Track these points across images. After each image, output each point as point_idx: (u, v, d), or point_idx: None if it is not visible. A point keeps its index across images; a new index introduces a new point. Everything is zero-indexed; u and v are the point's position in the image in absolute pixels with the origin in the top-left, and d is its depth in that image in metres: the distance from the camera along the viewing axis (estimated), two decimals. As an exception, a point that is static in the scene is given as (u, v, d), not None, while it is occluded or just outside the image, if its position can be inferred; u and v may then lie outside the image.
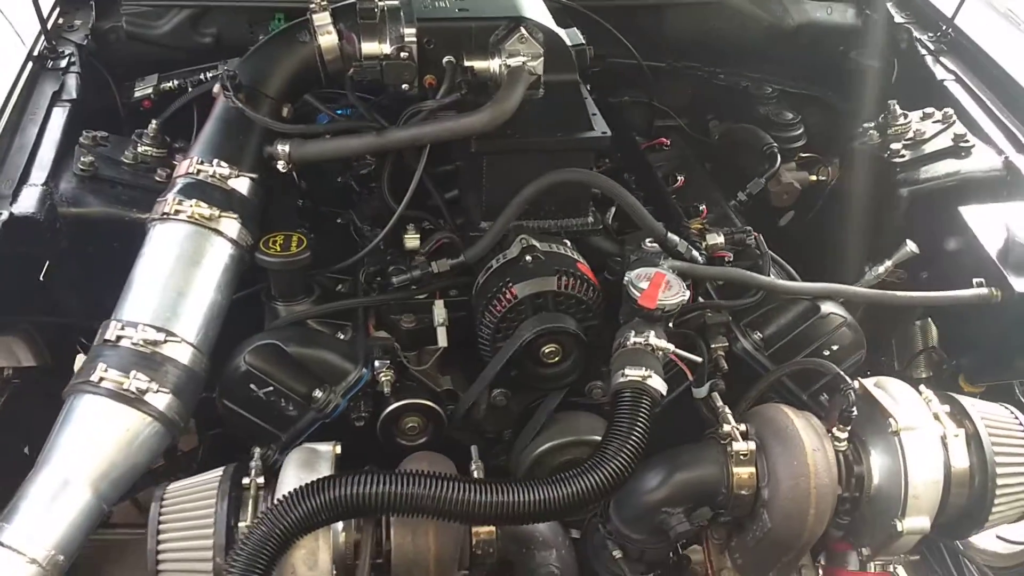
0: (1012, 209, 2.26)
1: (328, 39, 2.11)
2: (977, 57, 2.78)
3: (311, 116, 2.40)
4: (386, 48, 2.09)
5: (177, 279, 1.87)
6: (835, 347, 2.11)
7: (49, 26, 2.65)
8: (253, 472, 1.79)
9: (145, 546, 2.42)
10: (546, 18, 2.19)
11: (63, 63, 2.57)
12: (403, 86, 2.12)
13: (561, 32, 2.17)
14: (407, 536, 1.74)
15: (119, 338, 1.76)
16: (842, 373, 1.88)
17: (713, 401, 1.96)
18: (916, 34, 2.93)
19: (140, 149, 2.29)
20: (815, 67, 3.05)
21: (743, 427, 1.85)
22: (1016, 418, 1.94)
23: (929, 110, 2.61)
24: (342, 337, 2.09)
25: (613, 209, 2.36)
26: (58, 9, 2.77)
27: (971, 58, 2.80)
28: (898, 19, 3.00)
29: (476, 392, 2.05)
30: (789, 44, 3.01)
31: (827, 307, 2.13)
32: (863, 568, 1.98)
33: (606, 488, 1.68)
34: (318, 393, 1.99)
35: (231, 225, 1.97)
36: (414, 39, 2.07)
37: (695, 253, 2.13)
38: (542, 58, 2.06)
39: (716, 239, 2.20)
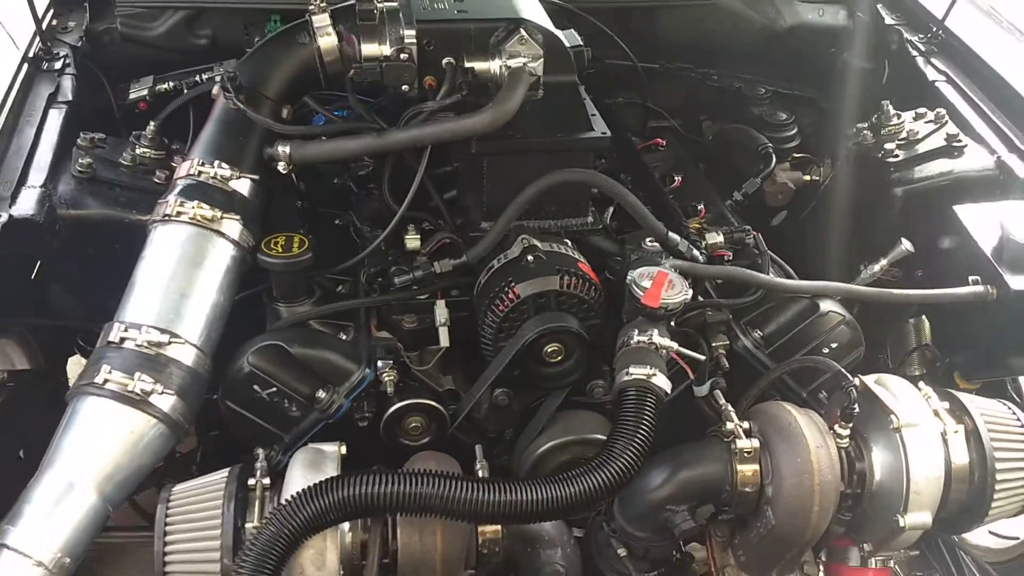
0: (1006, 208, 2.29)
1: (328, 41, 2.11)
2: (967, 58, 2.81)
3: (307, 117, 2.40)
4: (386, 50, 2.10)
5: (180, 280, 1.87)
6: (834, 345, 2.13)
7: (43, 27, 2.63)
8: (259, 473, 1.78)
9: (142, 548, 2.42)
10: (544, 20, 2.20)
11: (58, 65, 2.56)
12: (403, 87, 2.12)
13: (559, 33, 2.18)
14: (414, 536, 1.74)
15: (123, 340, 1.76)
16: (843, 371, 1.90)
17: (716, 399, 1.97)
18: (907, 35, 2.97)
19: (138, 151, 2.28)
20: (807, 68, 3.08)
21: (746, 425, 1.86)
22: (1014, 414, 1.96)
23: (921, 110, 2.64)
24: (344, 338, 2.09)
25: (611, 209, 2.38)
26: (52, 11, 2.75)
27: (962, 59, 2.83)
28: (888, 21, 3.03)
29: (479, 391, 2.06)
30: (781, 45, 3.04)
31: (826, 305, 2.15)
32: (864, 564, 1.99)
33: (613, 486, 1.69)
34: (321, 394, 1.99)
35: (233, 226, 1.97)
36: (414, 40, 2.08)
37: (696, 252, 2.14)
38: (542, 59, 2.07)
39: (716, 238, 2.21)
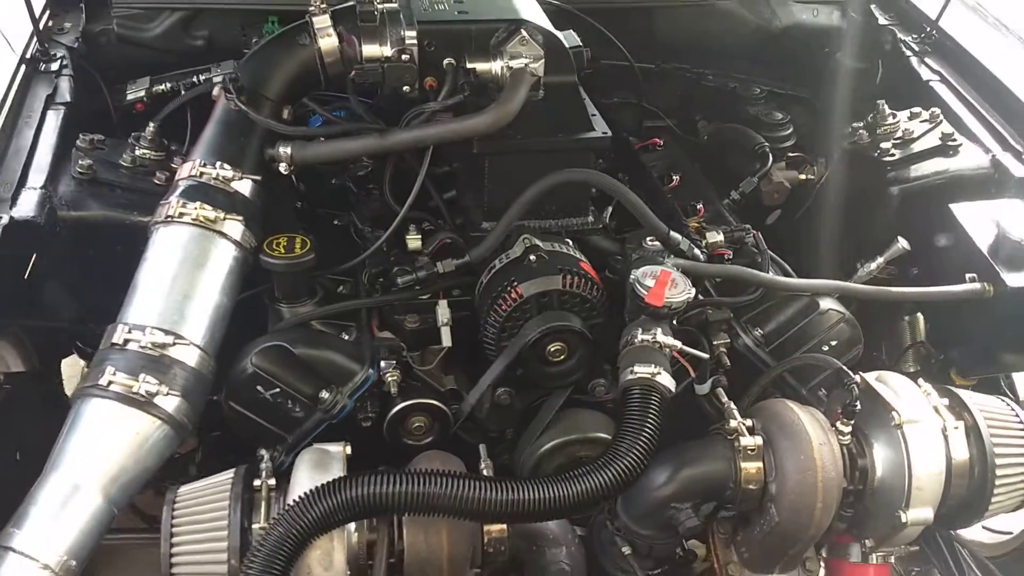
0: (1001, 206, 2.31)
1: (328, 42, 2.11)
2: (961, 58, 2.84)
3: (304, 118, 2.40)
4: (387, 51, 2.10)
5: (183, 282, 1.87)
6: (834, 342, 2.14)
7: (40, 28, 2.62)
8: (264, 474, 1.78)
9: (139, 549, 2.43)
10: (544, 20, 2.21)
11: (55, 66, 2.55)
12: (404, 88, 2.13)
13: (559, 34, 2.19)
14: (420, 535, 1.74)
15: (126, 341, 1.75)
16: (845, 368, 1.92)
17: (718, 397, 1.98)
18: (900, 35, 2.99)
19: (138, 152, 2.28)
20: (801, 68, 3.09)
21: (749, 422, 1.87)
22: (1012, 410, 1.98)
23: (916, 110, 2.66)
24: (346, 338, 2.09)
25: (610, 208, 2.39)
26: (47, 11, 2.74)
27: (955, 59, 2.85)
28: (882, 21, 3.05)
29: (482, 391, 2.06)
30: (776, 46, 3.05)
31: (825, 303, 2.16)
32: (865, 559, 2.01)
33: (620, 484, 1.70)
34: (325, 394, 1.99)
35: (235, 227, 1.97)
36: (415, 41, 2.08)
37: (697, 251, 2.15)
38: (543, 60, 2.08)
39: (716, 237, 2.22)
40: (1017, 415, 1.97)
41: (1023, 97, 2.62)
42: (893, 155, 2.52)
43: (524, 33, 2.07)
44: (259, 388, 1.97)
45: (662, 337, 1.87)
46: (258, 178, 2.06)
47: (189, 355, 1.79)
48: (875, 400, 1.90)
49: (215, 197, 1.98)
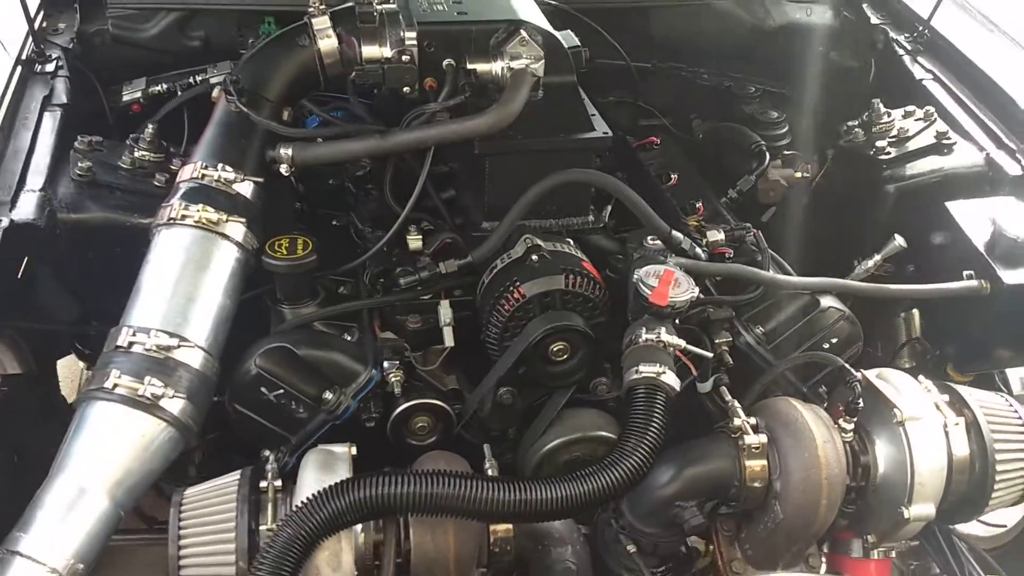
0: (997, 203, 2.33)
1: (328, 43, 2.11)
2: (953, 57, 2.86)
3: (301, 118, 2.40)
4: (387, 52, 2.10)
5: (186, 284, 1.87)
6: (834, 340, 2.16)
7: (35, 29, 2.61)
8: (270, 475, 1.78)
9: (137, 549, 2.42)
10: (542, 21, 2.21)
11: (50, 67, 2.54)
12: (404, 89, 2.13)
13: (558, 34, 2.20)
14: (427, 535, 1.74)
15: (131, 344, 1.75)
16: (847, 366, 1.93)
17: (721, 395, 2.00)
18: (892, 35, 3.01)
19: (137, 154, 2.27)
20: (795, 67, 3.11)
21: (753, 420, 1.88)
22: (1011, 405, 2.00)
23: (910, 108, 2.68)
24: (349, 339, 2.09)
25: (609, 207, 2.40)
26: (42, 12, 2.72)
27: (947, 58, 2.87)
28: (874, 20, 3.08)
29: (485, 391, 2.07)
30: (770, 45, 3.07)
31: (826, 301, 2.18)
32: (867, 555, 2.03)
33: (626, 483, 1.70)
34: (328, 395, 1.99)
35: (237, 229, 1.97)
36: (415, 42, 2.08)
37: (698, 250, 2.16)
38: (543, 60, 2.09)
39: (717, 236, 2.23)
40: (1016, 410, 1.99)
41: (1015, 96, 2.64)
42: (889, 153, 2.54)
43: (524, 33, 2.07)
44: (263, 389, 1.98)
45: (666, 336, 1.87)
46: (260, 180, 2.06)
47: (193, 357, 1.78)
48: (877, 397, 1.91)
49: (217, 199, 1.97)
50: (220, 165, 2.02)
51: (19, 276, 2.17)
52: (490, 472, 1.87)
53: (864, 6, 3.10)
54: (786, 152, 2.89)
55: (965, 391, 1.99)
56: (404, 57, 2.09)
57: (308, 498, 1.62)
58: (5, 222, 2.03)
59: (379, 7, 2.12)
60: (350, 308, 2.12)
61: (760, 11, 3.05)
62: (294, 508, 1.64)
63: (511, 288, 2.03)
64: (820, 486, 1.80)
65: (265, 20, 2.67)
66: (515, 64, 2.07)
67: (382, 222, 2.30)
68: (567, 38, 2.28)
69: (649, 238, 2.15)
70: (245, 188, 2.04)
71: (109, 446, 1.66)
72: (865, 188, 2.57)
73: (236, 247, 1.96)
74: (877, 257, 2.44)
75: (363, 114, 2.20)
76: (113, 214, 2.17)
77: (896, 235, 2.42)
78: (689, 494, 1.86)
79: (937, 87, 2.79)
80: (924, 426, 1.87)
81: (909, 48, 2.95)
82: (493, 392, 2.11)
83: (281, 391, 1.98)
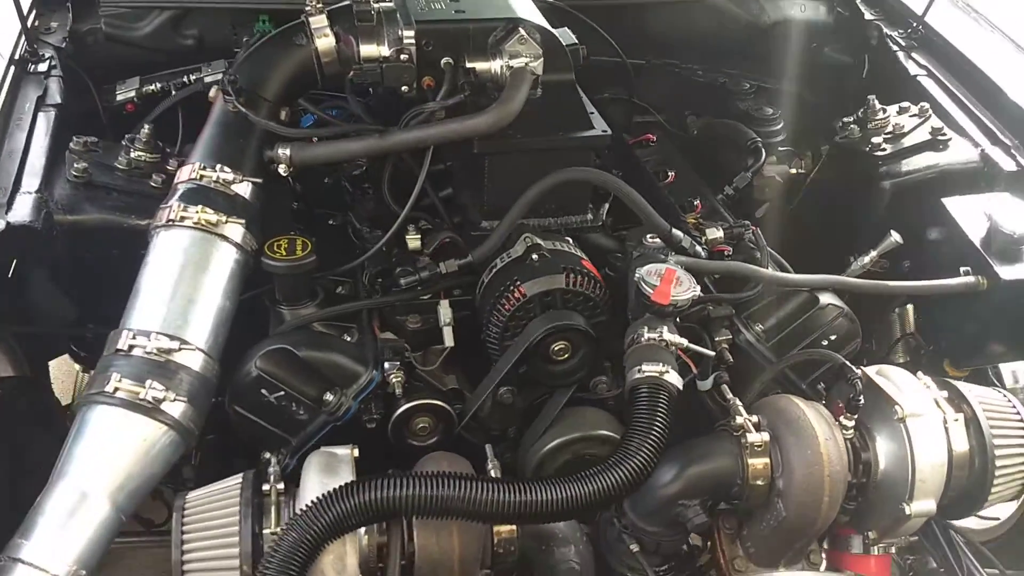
0: (993, 199, 2.34)
1: (325, 42, 2.10)
2: (948, 53, 2.87)
3: (296, 117, 2.38)
4: (385, 50, 2.09)
5: (186, 286, 1.86)
6: (833, 337, 2.16)
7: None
8: (272, 478, 1.78)
9: (133, 551, 2.40)
10: (540, 19, 2.20)
11: (43, 67, 2.51)
12: (403, 88, 2.12)
13: (555, 32, 2.19)
14: (431, 537, 1.74)
15: (131, 347, 1.74)
16: (848, 364, 1.94)
17: (722, 394, 2.00)
18: (886, 31, 3.02)
19: (133, 154, 2.25)
20: (789, 63, 3.11)
21: (755, 418, 1.88)
22: (1009, 401, 2.01)
23: (905, 104, 2.69)
24: (348, 339, 2.09)
25: (607, 205, 2.39)
26: (34, 11, 2.69)
27: (942, 54, 2.88)
28: (868, 16, 3.08)
29: (486, 390, 2.07)
30: (765, 41, 3.07)
31: (825, 298, 2.19)
32: (867, 551, 2.03)
33: (631, 483, 1.71)
34: (329, 396, 1.98)
35: (236, 230, 1.96)
36: (413, 41, 2.07)
37: (698, 248, 2.17)
38: (542, 58, 2.08)
39: (716, 233, 2.24)
40: (1014, 406, 2.00)
41: (1010, 92, 2.65)
42: (884, 150, 2.56)
43: (522, 32, 2.06)
44: (263, 391, 1.97)
45: (668, 335, 1.88)
46: (259, 180, 2.05)
47: (194, 360, 1.78)
48: (877, 394, 1.92)
49: (216, 200, 1.96)
50: (218, 166, 2.01)
51: (9, 276, 2.16)
52: (493, 472, 1.86)
53: (858, 2, 3.11)
54: (781, 148, 2.90)
55: (964, 387, 2.00)
56: (402, 56, 2.07)
57: (313, 501, 1.61)
58: (1, 224, 2.01)
59: (377, 5, 2.11)
60: (351, 308, 2.12)
61: (755, 7, 3.05)
62: (298, 511, 1.63)
63: (511, 287, 2.03)
64: (822, 483, 1.80)
65: (260, 18, 2.65)
66: (514, 62, 2.06)
67: (379, 221, 2.29)
68: (564, 36, 2.27)
69: (648, 236, 2.14)
70: (244, 189, 2.03)
71: (110, 450, 1.65)
72: (861, 184, 2.58)
73: (235, 248, 1.95)
74: (873, 253, 2.44)
75: (361, 113, 2.18)
76: (110, 216, 2.15)
77: (892, 231, 2.43)
78: (692, 493, 1.86)
79: (931, 83, 2.80)
80: (924, 422, 1.88)
81: (903, 44, 2.96)
82: (494, 391, 2.10)
83: (282, 393, 1.97)
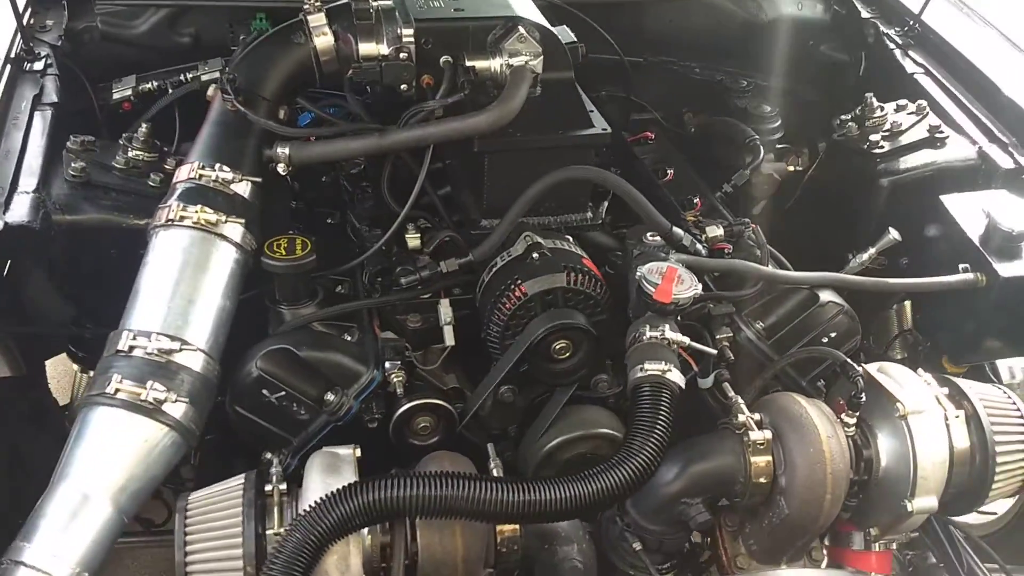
0: (990, 197, 2.35)
1: (324, 40, 2.10)
2: (944, 51, 2.87)
3: (293, 115, 2.37)
4: (383, 49, 2.09)
5: (186, 286, 1.85)
6: (833, 334, 2.17)
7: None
8: (275, 479, 1.77)
9: (131, 551, 2.38)
10: (539, 17, 2.20)
11: (39, 65, 2.49)
12: (402, 86, 2.11)
13: (554, 30, 2.19)
14: (434, 537, 1.74)
15: (132, 348, 1.73)
16: (849, 361, 1.94)
17: (723, 391, 2.00)
18: (883, 29, 3.02)
19: (131, 154, 2.24)
20: (786, 61, 3.11)
21: (758, 416, 1.88)
22: (1009, 397, 2.02)
23: (902, 102, 2.69)
24: (349, 339, 2.08)
25: (606, 203, 2.39)
26: (29, 9, 2.68)
27: (939, 52, 2.89)
28: (865, 14, 3.08)
29: (487, 389, 2.06)
30: (762, 38, 3.07)
31: (824, 295, 2.19)
32: (868, 547, 2.04)
33: (634, 482, 1.70)
34: (330, 396, 1.99)
35: (236, 230, 1.95)
36: (412, 40, 2.07)
37: (699, 246, 2.17)
38: (542, 57, 2.08)
39: (716, 231, 2.24)
40: (1014, 403, 2.01)
41: (1006, 90, 2.66)
42: (882, 147, 2.56)
43: (521, 30, 2.06)
44: (264, 391, 1.97)
45: (670, 334, 1.88)
46: (258, 179, 2.04)
47: (195, 360, 1.77)
48: (878, 391, 1.92)
49: (215, 200, 1.96)
50: (217, 165, 2.00)
51: (6, 276, 2.15)
52: (495, 471, 1.86)
53: (854, 0, 3.11)
54: (779, 146, 2.90)
55: (964, 384, 2.00)
56: (401, 55, 2.07)
57: (316, 502, 1.60)
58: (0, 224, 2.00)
59: (375, 4, 2.11)
60: (351, 308, 2.11)
61: (752, 5, 3.05)
62: (302, 512, 1.62)
63: (512, 286, 2.03)
64: (825, 481, 1.80)
65: (257, 16, 2.63)
66: (514, 61, 2.06)
67: (379, 220, 2.29)
68: (563, 34, 2.27)
69: (649, 234, 2.14)
70: (243, 188, 2.02)
71: (112, 452, 1.64)
72: (859, 182, 2.58)
73: (235, 248, 1.94)
74: (872, 251, 2.45)
75: (360, 112, 2.18)
76: (108, 215, 2.15)
77: (890, 228, 2.44)
78: (695, 491, 1.86)
79: (928, 81, 2.80)
80: (926, 419, 1.88)
81: (900, 42, 2.96)
82: (494, 390, 2.10)
83: (283, 393, 1.97)
